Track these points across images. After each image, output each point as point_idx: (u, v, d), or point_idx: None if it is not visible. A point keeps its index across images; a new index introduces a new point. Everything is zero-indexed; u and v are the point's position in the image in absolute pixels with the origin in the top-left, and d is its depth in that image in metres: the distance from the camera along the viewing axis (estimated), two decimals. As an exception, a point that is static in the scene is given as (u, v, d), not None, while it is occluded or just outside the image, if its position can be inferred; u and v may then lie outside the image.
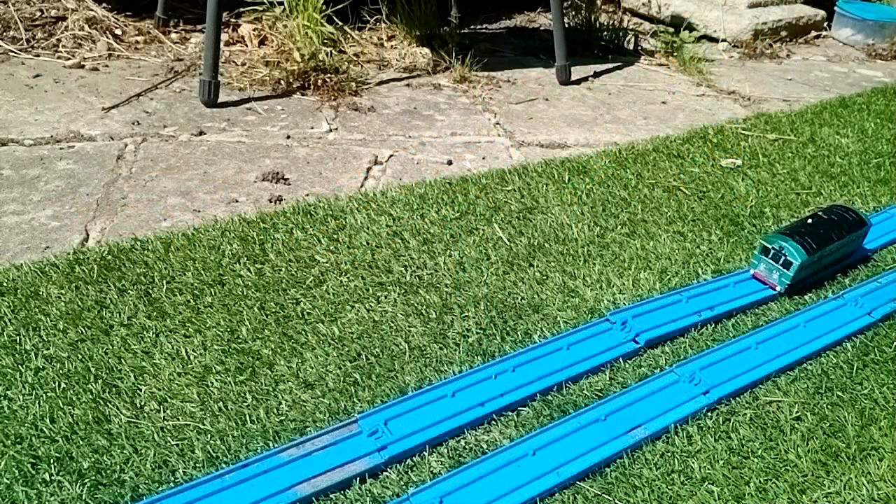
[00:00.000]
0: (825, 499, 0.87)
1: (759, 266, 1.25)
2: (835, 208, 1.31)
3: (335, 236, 1.29)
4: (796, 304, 1.23)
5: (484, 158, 1.68)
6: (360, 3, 2.28)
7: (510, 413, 0.96)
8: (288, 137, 1.68)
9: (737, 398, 1.01)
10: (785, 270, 1.21)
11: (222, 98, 1.80)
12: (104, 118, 1.67)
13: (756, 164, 1.73)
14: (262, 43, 2.10)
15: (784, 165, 1.74)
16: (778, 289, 1.22)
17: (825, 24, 3.03)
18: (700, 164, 1.70)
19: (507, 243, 1.32)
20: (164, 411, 0.90)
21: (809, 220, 1.26)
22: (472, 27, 2.61)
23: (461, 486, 0.83)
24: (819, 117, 2.05)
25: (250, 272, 1.17)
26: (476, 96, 2.04)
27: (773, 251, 1.22)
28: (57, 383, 0.93)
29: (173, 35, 2.16)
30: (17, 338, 0.99)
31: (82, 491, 0.79)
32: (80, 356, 0.97)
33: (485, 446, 0.90)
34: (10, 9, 2.09)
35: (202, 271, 1.16)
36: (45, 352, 0.97)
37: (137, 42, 2.10)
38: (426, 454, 0.89)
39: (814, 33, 2.98)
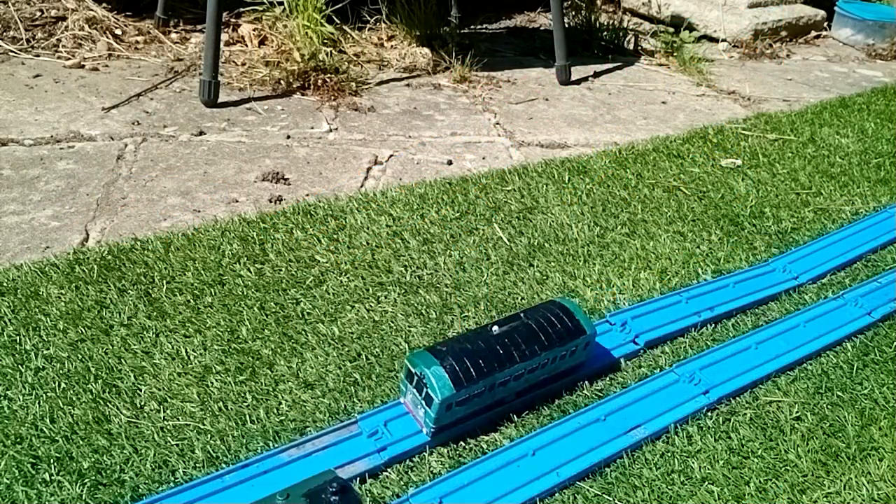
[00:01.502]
0: (825, 499, 0.87)
1: (407, 395, 0.90)
2: (548, 309, 0.96)
3: (335, 236, 1.29)
4: (796, 305, 1.23)
5: (484, 158, 1.68)
6: (360, 3, 2.28)
7: (510, 413, 0.95)
8: (288, 137, 1.68)
9: (737, 398, 1.01)
10: (427, 408, 0.86)
11: (222, 98, 1.80)
12: (104, 118, 1.67)
13: (756, 164, 1.73)
14: (262, 43, 2.10)
15: (784, 165, 1.74)
16: (425, 431, 0.88)
17: (825, 24, 3.03)
18: (700, 164, 1.70)
19: (507, 243, 1.32)
20: (164, 411, 0.90)
21: (493, 329, 0.92)
22: (472, 27, 2.61)
23: (461, 486, 0.83)
24: (819, 117, 2.05)
25: (250, 272, 1.17)
26: (476, 96, 2.04)
27: (416, 377, 0.87)
28: (57, 383, 0.93)
29: (173, 35, 2.16)
30: (17, 338, 0.99)
31: (82, 491, 0.79)
32: (80, 356, 0.97)
33: (485, 446, 0.90)
34: (10, 9, 2.09)
35: (202, 271, 1.16)
36: (45, 352, 0.97)
37: (137, 42, 2.10)
38: (426, 454, 0.89)
39: (814, 33, 2.98)
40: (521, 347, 0.91)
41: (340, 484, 0.74)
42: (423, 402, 0.86)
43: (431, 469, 0.87)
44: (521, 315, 0.94)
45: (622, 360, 1.06)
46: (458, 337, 0.91)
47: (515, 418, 0.95)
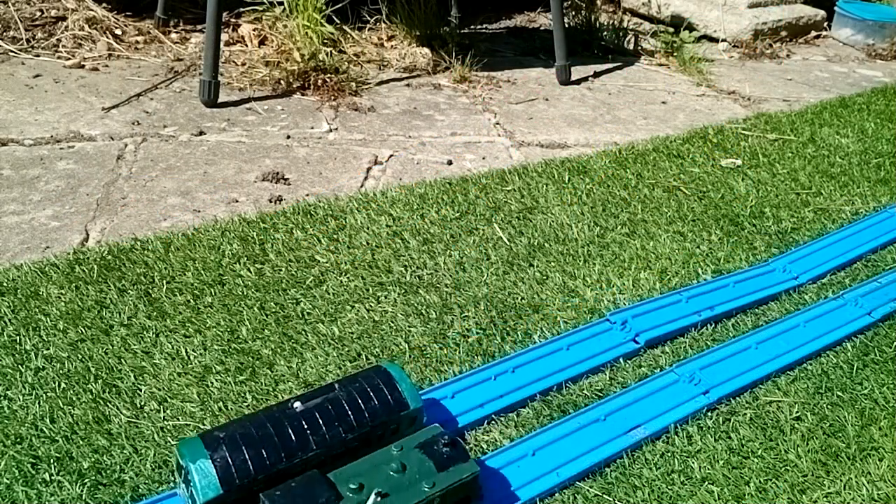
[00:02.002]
0: (825, 499, 0.87)
1: (179, 487, 0.77)
2: (367, 378, 0.83)
3: (335, 236, 1.29)
4: (796, 305, 1.23)
5: (484, 158, 1.68)
6: (360, 3, 2.28)
7: (510, 413, 0.96)
8: (288, 137, 1.68)
9: (737, 398, 1.01)
10: None
11: (222, 98, 1.80)
12: (104, 118, 1.67)
13: (756, 164, 1.73)
14: (262, 43, 2.10)
15: (784, 165, 1.74)
16: None
17: (825, 24, 3.03)
18: (700, 164, 1.70)
19: (507, 243, 1.32)
20: (164, 411, 0.90)
21: (295, 405, 0.78)
22: (472, 27, 2.61)
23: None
24: (819, 117, 2.05)
25: (250, 272, 1.17)
26: (476, 96, 2.04)
27: (183, 470, 0.74)
28: (57, 383, 0.93)
29: (173, 35, 2.16)
30: (17, 338, 0.99)
31: (82, 491, 0.79)
32: (80, 356, 0.97)
33: (485, 446, 0.90)
34: (10, 9, 2.09)
35: (202, 271, 1.16)
36: (45, 352, 0.97)
37: (137, 42, 2.10)
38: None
39: (814, 33, 2.98)
40: (320, 431, 0.76)
41: (450, 437, 0.80)
42: (190, 500, 0.72)
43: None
44: (336, 386, 0.81)
45: (621, 359, 1.06)
46: (245, 417, 0.77)
47: (515, 418, 0.95)
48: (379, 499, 0.72)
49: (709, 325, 1.16)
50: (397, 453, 0.77)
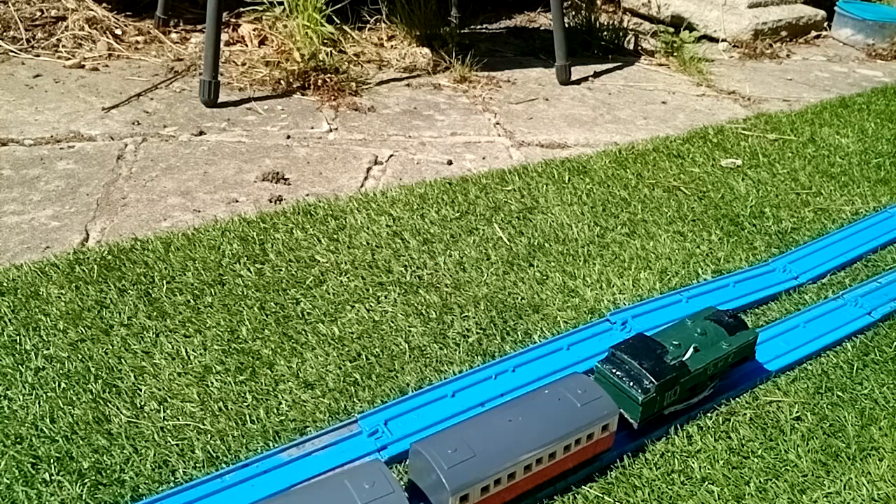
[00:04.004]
0: (825, 499, 0.87)
1: None
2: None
3: (335, 236, 1.29)
4: (796, 305, 1.23)
5: (484, 158, 1.68)
6: (360, 3, 2.28)
7: (510, 413, 0.95)
8: (288, 137, 1.68)
9: (737, 398, 1.00)
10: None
11: (222, 98, 1.80)
12: (104, 118, 1.67)
13: (756, 164, 1.73)
14: (262, 43, 2.10)
15: (784, 165, 1.74)
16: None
17: (825, 24, 3.03)
18: (700, 164, 1.70)
19: (507, 243, 1.32)
20: (164, 411, 0.90)
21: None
22: (472, 27, 2.61)
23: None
24: (819, 117, 2.05)
25: (250, 272, 1.17)
26: (476, 96, 2.04)
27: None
28: (57, 383, 0.93)
29: (173, 35, 2.16)
30: (17, 338, 0.99)
31: (82, 491, 0.79)
32: (80, 356, 0.97)
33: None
34: (10, 9, 2.09)
35: (202, 271, 1.16)
36: (45, 352, 0.97)
37: (137, 42, 2.10)
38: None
39: (814, 33, 2.98)
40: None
41: (733, 312, 1.01)
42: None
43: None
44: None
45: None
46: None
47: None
48: (693, 352, 0.91)
49: (709, 325, 1.15)
50: (692, 324, 0.96)
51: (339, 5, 2.03)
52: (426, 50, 2.22)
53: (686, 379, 0.90)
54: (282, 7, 2.02)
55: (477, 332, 1.09)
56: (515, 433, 0.79)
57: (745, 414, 0.98)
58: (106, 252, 1.18)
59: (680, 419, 0.95)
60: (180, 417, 0.90)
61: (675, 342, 0.92)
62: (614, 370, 0.90)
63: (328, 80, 1.96)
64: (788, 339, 1.11)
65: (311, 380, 0.97)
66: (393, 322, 1.09)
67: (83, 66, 1.93)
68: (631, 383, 0.88)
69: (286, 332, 1.05)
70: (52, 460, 0.83)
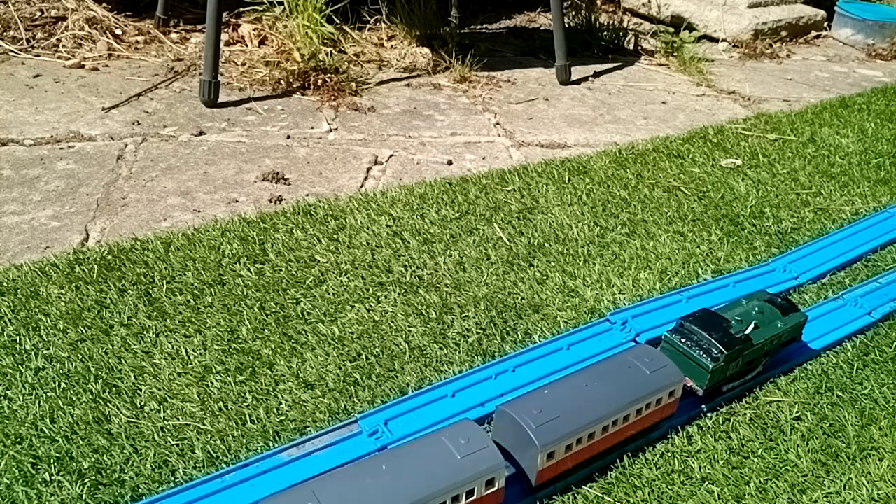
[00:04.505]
0: (825, 499, 0.87)
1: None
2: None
3: (335, 236, 1.29)
4: (796, 304, 1.23)
5: (484, 158, 1.68)
6: (360, 3, 2.28)
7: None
8: (288, 137, 1.68)
9: (737, 398, 1.00)
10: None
11: (222, 98, 1.80)
12: (104, 118, 1.67)
13: (756, 164, 1.73)
14: (262, 43, 2.10)
15: (784, 165, 1.74)
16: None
17: (825, 24, 3.03)
18: (700, 164, 1.70)
19: (507, 243, 1.32)
20: (164, 411, 0.90)
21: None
22: (472, 27, 2.61)
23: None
24: (819, 117, 2.05)
25: (250, 272, 1.17)
26: (476, 96, 2.04)
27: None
28: (57, 383, 0.93)
29: (173, 35, 2.16)
30: (17, 338, 0.99)
31: (82, 491, 0.79)
32: (80, 356, 0.97)
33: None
34: (10, 9, 2.09)
35: (202, 271, 1.16)
36: (45, 352, 0.97)
37: (137, 42, 2.10)
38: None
39: (814, 33, 2.98)
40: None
41: (785, 295, 1.11)
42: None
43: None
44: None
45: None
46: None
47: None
48: (754, 328, 0.97)
49: (709, 325, 1.15)
50: (747, 304, 1.02)
51: (339, 5, 2.03)
52: (426, 50, 2.22)
53: (749, 352, 0.97)
54: (282, 7, 2.02)
55: (477, 332, 1.09)
56: (593, 397, 0.85)
57: (745, 414, 0.98)
58: (106, 252, 1.18)
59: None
60: (180, 417, 0.90)
61: (737, 318, 0.99)
62: (683, 340, 0.96)
63: (328, 80, 1.96)
64: (788, 339, 1.11)
65: (311, 380, 0.97)
66: (393, 322, 1.09)
67: (83, 66, 1.93)
68: (700, 352, 0.94)
69: (286, 332, 1.05)
70: (52, 460, 0.83)
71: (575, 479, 0.86)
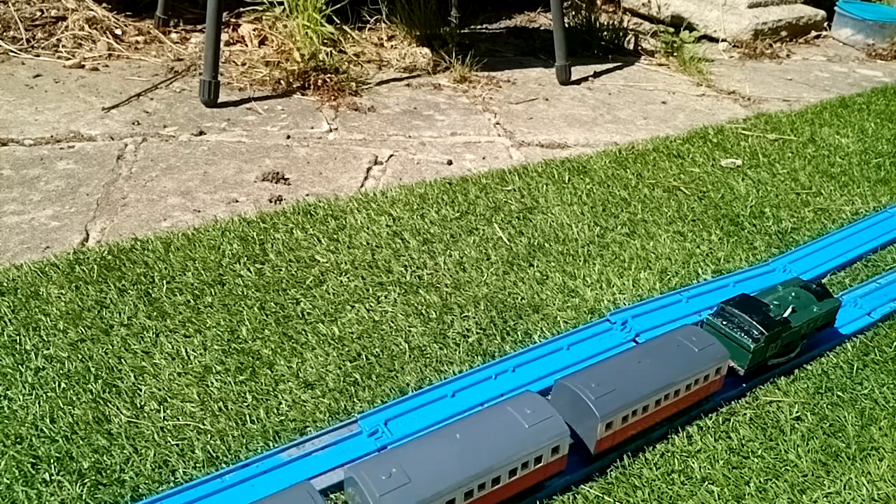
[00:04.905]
0: (825, 499, 0.87)
1: None
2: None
3: (335, 236, 1.29)
4: (796, 304, 1.23)
5: (484, 158, 1.68)
6: (360, 3, 2.28)
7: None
8: (288, 137, 1.68)
9: (737, 398, 1.00)
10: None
11: (222, 98, 1.80)
12: (104, 118, 1.67)
13: (756, 164, 1.73)
14: (262, 43, 2.10)
15: (784, 165, 1.74)
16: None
17: (825, 24, 3.03)
18: (700, 164, 1.70)
19: (507, 243, 1.32)
20: (164, 411, 0.90)
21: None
22: (472, 27, 2.61)
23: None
24: (819, 117, 2.05)
25: (250, 272, 1.17)
26: (476, 96, 2.04)
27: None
28: (57, 383, 0.93)
29: (173, 35, 2.16)
30: (17, 338, 0.99)
31: (82, 491, 0.79)
32: (80, 356, 0.97)
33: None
34: (10, 9, 2.09)
35: (202, 271, 1.16)
36: (45, 352, 0.97)
37: (137, 42, 2.10)
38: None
39: (814, 33, 2.98)
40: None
41: (819, 282, 1.15)
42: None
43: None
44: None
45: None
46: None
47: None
48: (791, 312, 1.02)
49: (709, 325, 1.15)
50: (784, 290, 1.07)
51: (339, 5, 2.03)
52: (426, 50, 2.22)
53: (787, 334, 1.01)
54: (282, 7, 2.02)
55: (477, 332, 1.09)
56: (647, 372, 0.89)
57: (745, 414, 0.98)
58: (106, 252, 1.18)
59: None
60: (180, 417, 0.90)
61: (775, 302, 1.03)
62: (724, 322, 1.01)
63: (328, 80, 1.96)
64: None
65: (311, 380, 0.97)
66: (393, 322, 1.09)
67: (83, 66, 1.93)
68: (741, 333, 0.98)
69: (286, 332, 1.05)
70: (52, 460, 0.83)
71: (632, 447, 0.90)
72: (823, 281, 1.31)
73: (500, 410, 0.81)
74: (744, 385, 1.01)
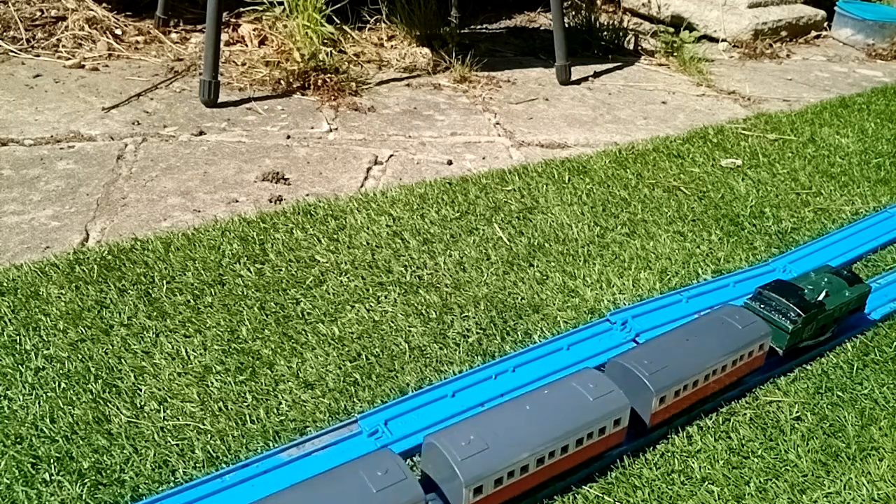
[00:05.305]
0: (825, 499, 0.87)
1: None
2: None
3: (335, 236, 1.29)
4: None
5: (484, 158, 1.68)
6: (360, 3, 2.28)
7: (510, 413, 0.95)
8: (288, 137, 1.68)
9: (737, 398, 1.00)
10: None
11: (222, 98, 1.80)
12: (104, 118, 1.67)
13: (756, 164, 1.73)
14: (262, 43, 2.10)
15: (784, 165, 1.74)
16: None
17: (825, 24, 3.03)
18: (700, 164, 1.70)
19: (507, 243, 1.32)
20: (164, 411, 0.90)
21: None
22: (472, 27, 2.61)
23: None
24: (819, 117, 2.05)
25: (250, 272, 1.17)
26: (476, 96, 2.04)
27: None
28: (57, 383, 0.93)
29: (173, 35, 2.16)
30: (17, 338, 0.99)
31: (82, 491, 0.79)
32: (80, 356, 0.97)
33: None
34: (10, 9, 2.09)
35: (202, 271, 1.16)
36: (45, 352, 0.97)
37: (137, 42, 2.10)
38: (426, 454, 0.88)
39: (814, 33, 2.98)
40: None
41: (849, 268, 1.22)
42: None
43: (431, 469, 0.86)
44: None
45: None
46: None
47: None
48: (825, 296, 1.06)
49: (709, 325, 1.15)
50: (816, 276, 1.11)
51: (339, 5, 2.03)
52: (426, 50, 2.22)
53: (822, 316, 1.06)
54: (282, 7, 2.02)
55: (477, 332, 1.09)
56: (694, 350, 0.94)
57: (745, 414, 0.98)
58: (106, 252, 1.18)
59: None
60: (180, 417, 0.90)
61: (809, 287, 1.08)
62: (762, 305, 1.05)
63: (328, 80, 1.96)
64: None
65: (311, 380, 0.97)
66: (393, 322, 1.09)
67: (83, 66, 1.93)
68: (779, 316, 1.03)
69: (286, 332, 1.05)
70: (52, 460, 0.83)
71: (680, 422, 0.94)
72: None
73: (565, 384, 0.86)
74: (776, 369, 1.06)
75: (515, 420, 0.81)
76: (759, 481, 0.88)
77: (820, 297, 1.06)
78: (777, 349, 1.04)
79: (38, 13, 2.12)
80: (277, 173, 1.49)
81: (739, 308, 1.03)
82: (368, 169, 1.58)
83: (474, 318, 1.12)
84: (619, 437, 0.87)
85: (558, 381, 0.88)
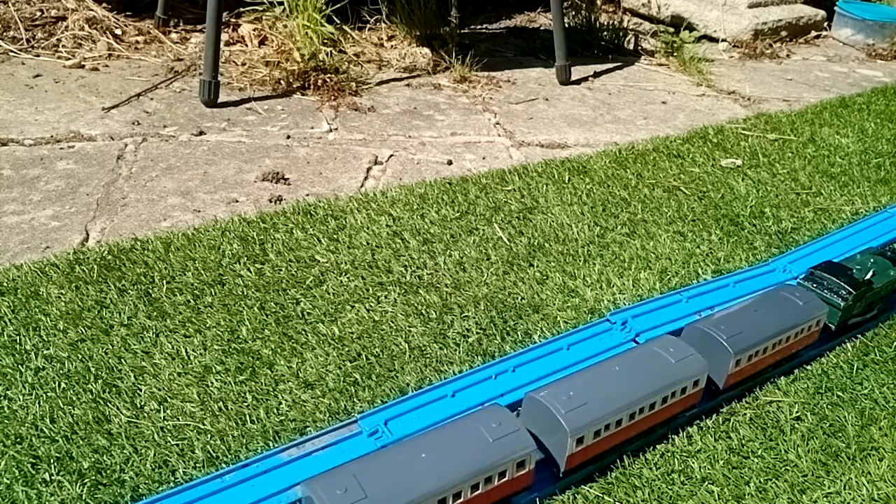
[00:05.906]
0: (825, 499, 0.87)
1: None
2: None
3: (335, 236, 1.29)
4: (796, 304, 1.23)
5: (484, 158, 1.68)
6: (360, 3, 2.28)
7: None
8: (288, 137, 1.68)
9: (737, 398, 1.00)
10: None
11: (222, 98, 1.80)
12: (104, 118, 1.67)
13: (756, 164, 1.73)
14: (262, 43, 2.10)
15: (784, 165, 1.74)
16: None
17: (825, 24, 3.03)
18: (700, 164, 1.70)
19: (507, 243, 1.32)
20: (164, 411, 0.90)
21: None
22: (472, 27, 2.61)
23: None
24: (819, 117, 2.05)
25: (250, 272, 1.17)
26: (476, 96, 2.04)
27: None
28: (57, 383, 0.93)
29: (173, 35, 2.16)
30: (17, 338, 0.99)
31: (82, 491, 0.79)
32: (80, 356, 0.97)
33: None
34: (10, 9, 2.09)
35: (202, 271, 1.16)
36: (45, 352, 0.97)
37: (137, 42, 2.10)
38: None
39: (814, 33, 2.98)
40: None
41: (893, 248, 1.24)
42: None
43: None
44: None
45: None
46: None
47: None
48: (873, 275, 1.12)
49: (709, 325, 1.15)
50: (861, 258, 1.17)
51: (339, 5, 2.03)
52: (426, 50, 2.22)
53: (870, 294, 1.12)
54: (282, 7, 2.02)
55: (477, 332, 1.09)
56: (766, 320, 1.01)
57: (745, 414, 0.98)
58: (106, 252, 1.18)
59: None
60: (180, 417, 0.90)
61: (857, 267, 1.14)
62: (814, 285, 1.12)
63: (328, 80, 1.96)
64: (788, 339, 1.11)
65: (311, 380, 0.97)
66: (393, 322, 1.09)
67: (83, 66, 1.93)
68: (831, 294, 1.10)
69: (286, 332, 1.05)
70: (52, 460, 0.83)
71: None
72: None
73: (647, 349, 0.93)
74: (825, 346, 1.11)
75: (607, 380, 0.88)
76: (759, 481, 0.88)
77: (868, 276, 1.12)
78: (829, 325, 1.10)
79: (38, 13, 2.12)
80: (277, 173, 1.49)
81: (798, 287, 1.10)
82: (368, 169, 1.58)
83: (474, 318, 1.12)
84: (696, 397, 0.93)
85: (641, 345, 0.98)
